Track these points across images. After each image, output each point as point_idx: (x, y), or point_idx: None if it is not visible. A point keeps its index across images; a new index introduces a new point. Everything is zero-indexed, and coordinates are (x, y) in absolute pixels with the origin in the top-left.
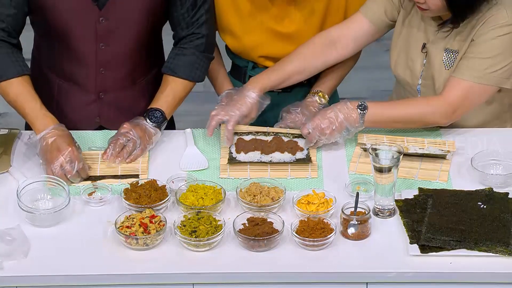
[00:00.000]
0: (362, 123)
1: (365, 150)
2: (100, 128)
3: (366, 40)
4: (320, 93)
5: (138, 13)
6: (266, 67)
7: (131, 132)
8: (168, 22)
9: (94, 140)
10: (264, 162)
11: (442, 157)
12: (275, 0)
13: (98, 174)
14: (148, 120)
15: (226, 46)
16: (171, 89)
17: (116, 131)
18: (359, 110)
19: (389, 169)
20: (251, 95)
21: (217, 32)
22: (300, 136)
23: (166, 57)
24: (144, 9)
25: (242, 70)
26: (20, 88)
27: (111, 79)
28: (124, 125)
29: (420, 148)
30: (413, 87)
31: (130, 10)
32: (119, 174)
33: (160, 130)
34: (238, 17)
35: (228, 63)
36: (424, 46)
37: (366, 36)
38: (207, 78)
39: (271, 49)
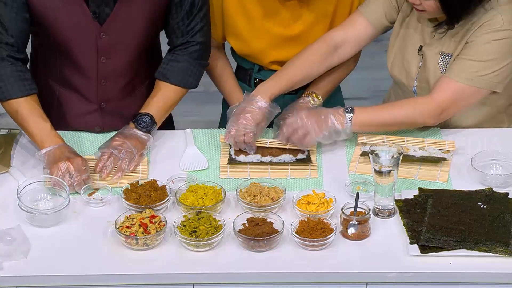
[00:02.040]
0: (350, 125)
1: (363, 154)
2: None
3: (366, 42)
4: (314, 94)
5: (139, 27)
6: (272, 70)
7: (124, 145)
8: None
9: (93, 142)
10: (264, 162)
11: (441, 160)
12: (287, 3)
13: (98, 183)
14: (137, 126)
15: (232, 48)
16: (162, 95)
17: (116, 132)
18: (346, 113)
19: (389, 170)
20: (262, 105)
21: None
22: (302, 160)
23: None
24: (144, 22)
25: (248, 72)
26: (28, 108)
27: (112, 90)
28: (116, 138)
29: (420, 149)
30: (409, 88)
31: (131, 24)
32: (118, 186)
33: (151, 134)
34: (247, 22)
35: (233, 64)
36: (420, 48)
37: (367, 38)
38: (214, 84)
39: (279, 53)
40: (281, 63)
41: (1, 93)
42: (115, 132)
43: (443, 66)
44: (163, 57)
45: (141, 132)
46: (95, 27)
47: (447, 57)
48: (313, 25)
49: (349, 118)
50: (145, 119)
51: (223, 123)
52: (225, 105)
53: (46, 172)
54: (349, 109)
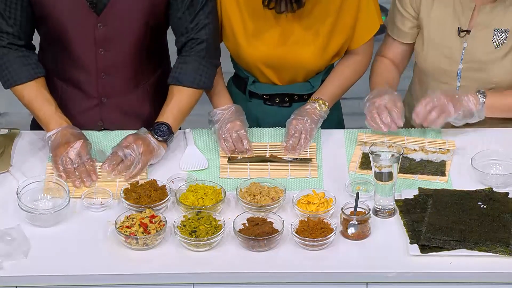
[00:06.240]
0: (482, 108)
1: (362, 167)
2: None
3: (412, 52)
4: (320, 100)
5: (137, 19)
6: (266, 84)
7: (133, 146)
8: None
9: (95, 141)
10: (264, 162)
11: (440, 172)
12: (280, 18)
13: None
14: (154, 135)
15: (231, 55)
16: (176, 101)
17: (118, 131)
18: (479, 96)
19: (389, 170)
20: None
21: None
22: (302, 160)
23: (171, 58)
24: (142, 14)
25: (243, 81)
26: (34, 92)
27: (112, 84)
28: (128, 137)
29: (420, 148)
30: (451, 74)
31: (128, 15)
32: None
33: (166, 144)
34: (245, 33)
35: (230, 71)
36: (460, 30)
37: (412, 50)
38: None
39: (275, 61)
40: (276, 69)
41: (6, 79)
42: (117, 131)
43: (498, 42)
44: (170, 57)
45: (155, 141)
46: (92, 17)
47: (501, 33)
48: (304, 43)
49: (482, 100)
50: (162, 128)
51: None
52: None
53: (50, 157)
54: (481, 91)
